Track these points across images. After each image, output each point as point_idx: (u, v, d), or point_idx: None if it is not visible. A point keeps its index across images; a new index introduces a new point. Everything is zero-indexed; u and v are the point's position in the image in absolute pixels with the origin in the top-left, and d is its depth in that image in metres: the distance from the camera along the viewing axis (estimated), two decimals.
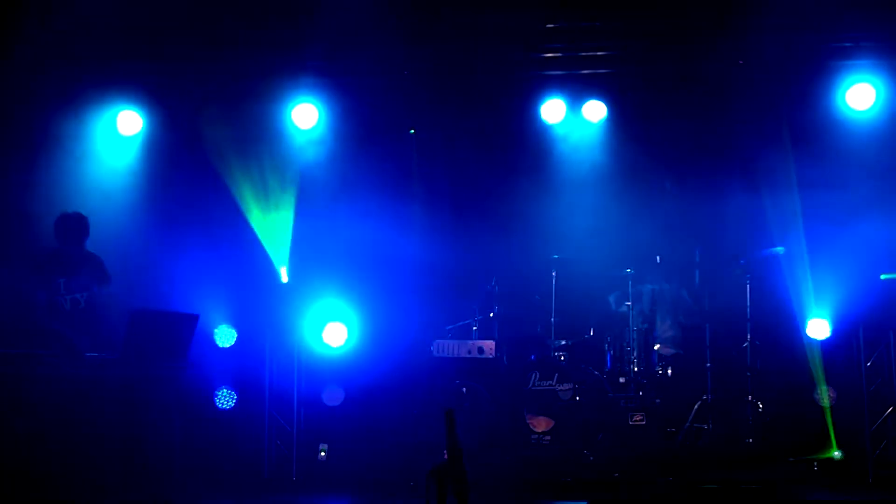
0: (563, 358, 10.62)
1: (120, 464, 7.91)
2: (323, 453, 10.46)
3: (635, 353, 10.39)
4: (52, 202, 10.03)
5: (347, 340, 10.87)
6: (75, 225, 8.82)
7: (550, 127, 11.35)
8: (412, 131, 11.56)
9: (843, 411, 10.12)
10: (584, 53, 10.87)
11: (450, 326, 11.08)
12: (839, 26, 10.29)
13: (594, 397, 10.33)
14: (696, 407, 10.30)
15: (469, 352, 10.68)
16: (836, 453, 9.90)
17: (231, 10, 10.14)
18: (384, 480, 9.72)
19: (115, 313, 8.80)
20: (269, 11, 10.21)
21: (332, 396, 10.82)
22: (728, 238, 10.88)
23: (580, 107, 11.21)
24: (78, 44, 10.11)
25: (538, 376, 10.32)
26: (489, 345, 10.67)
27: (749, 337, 10.37)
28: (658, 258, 10.91)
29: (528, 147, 11.47)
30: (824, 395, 10.08)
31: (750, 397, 10.22)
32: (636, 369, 10.35)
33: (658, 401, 10.15)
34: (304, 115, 11.18)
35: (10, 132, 10.32)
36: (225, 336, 10.61)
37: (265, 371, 10.47)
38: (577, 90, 11.15)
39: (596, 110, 11.20)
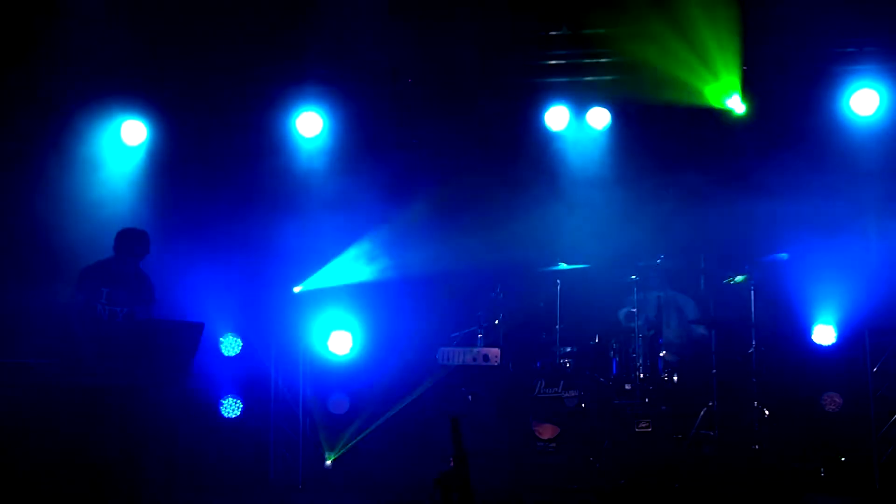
0: (568, 365, 10.61)
1: (124, 472, 7.92)
2: (328, 461, 10.45)
3: (641, 360, 10.37)
4: (57, 212, 10.08)
5: (353, 348, 10.89)
6: (135, 241, 8.89)
7: (554, 134, 11.35)
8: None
9: (850, 417, 10.11)
10: (587, 60, 10.88)
11: (455, 334, 11.08)
12: (843, 32, 10.28)
13: (600, 404, 10.32)
14: (701, 413, 10.27)
15: (474, 359, 10.67)
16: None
17: (235, 20, 10.17)
18: (390, 489, 9.72)
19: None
20: (273, 21, 10.23)
21: (338, 405, 10.82)
22: (733, 244, 10.86)
23: (584, 113, 11.21)
24: (81, 54, 10.13)
25: (544, 383, 10.30)
26: (494, 352, 10.65)
27: (754, 343, 10.35)
28: (663, 265, 10.88)
29: (532, 154, 11.46)
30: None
31: (756, 404, 10.19)
32: (642, 376, 10.33)
33: (664, 407, 10.13)
34: (308, 124, 11.20)
35: (14, 142, 10.33)
36: (230, 345, 10.63)
37: (270, 379, 10.48)
38: (581, 97, 11.16)
39: (600, 117, 11.20)
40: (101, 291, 8.70)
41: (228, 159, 11.15)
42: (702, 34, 10.23)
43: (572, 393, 10.23)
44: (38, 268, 9.92)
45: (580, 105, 11.19)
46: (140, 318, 8.79)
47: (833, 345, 10.28)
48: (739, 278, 10.37)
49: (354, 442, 10.59)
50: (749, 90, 10.66)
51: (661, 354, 10.46)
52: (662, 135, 11.16)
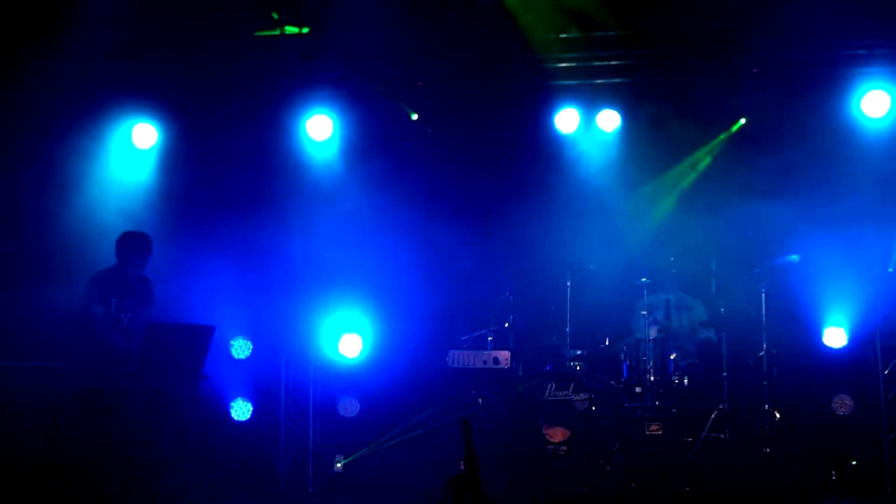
0: (578, 368, 10.61)
1: (136, 474, 7.95)
2: (339, 464, 10.46)
3: (651, 363, 10.36)
4: (69, 215, 10.10)
5: (363, 351, 10.89)
6: (138, 245, 8.91)
7: (564, 137, 11.34)
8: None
9: (861, 420, 10.09)
10: (597, 63, 10.86)
11: (465, 337, 11.09)
12: (853, 34, 10.26)
13: (610, 407, 10.32)
14: (712, 416, 10.26)
15: (485, 362, 10.68)
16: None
17: (246, 22, 10.19)
18: (400, 492, 9.72)
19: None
20: (284, 24, 10.25)
21: (348, 408, 10.83)
22: (744, 247, 10.84)
23: (594, 116, 11.20)
24: (91, 57, 10.15)
25: (554, 386, 10.30)
26: (505, 355, 10.67)
27: (765, 346, 10.34)
28: (673, 268, 10.88)
29: (542, 157, 11.46)
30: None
31: (766, 406, 10.18)
32: (652, 379, 10.32)
33: (674, 410, 10.12)
34: (319, 127, 11.19)
35: (24, 147, 10.35)
36: (241, 348, 10.63)
37: (281, 382, 10.49)
38: (591, 100, 11.15)
39: (610, 120, 11.19)
40: (110, 301, 8.76)
41: (239, 162, 11.16)
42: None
43: (582, 396, 10.23)
44: (50, 270, 9.92)
45: (590, 108, 11.19)
46: (142, 321, 8.83)
47: (844, 348, 10.26)
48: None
49: (365, 445, 10.59)
50: (758, 92, 10.65)
51: (671, 357, 10.45)
52: (672, 137, 11.14)
